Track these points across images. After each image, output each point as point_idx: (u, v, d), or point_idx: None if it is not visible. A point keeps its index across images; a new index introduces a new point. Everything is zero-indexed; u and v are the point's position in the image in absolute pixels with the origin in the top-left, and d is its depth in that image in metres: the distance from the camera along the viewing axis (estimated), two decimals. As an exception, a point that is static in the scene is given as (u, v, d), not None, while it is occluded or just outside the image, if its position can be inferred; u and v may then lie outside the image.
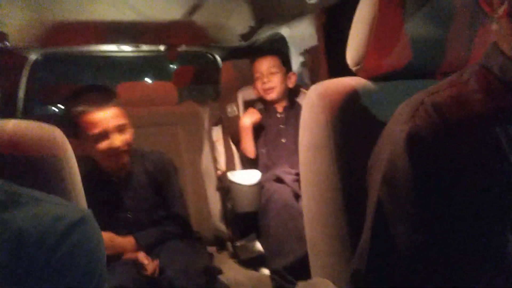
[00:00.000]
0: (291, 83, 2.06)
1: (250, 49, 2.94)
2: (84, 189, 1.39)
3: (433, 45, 0.90)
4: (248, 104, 2.08)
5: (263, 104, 2.09)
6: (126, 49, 3.02)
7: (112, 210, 1.47)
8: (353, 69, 0.95)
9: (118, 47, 2.98)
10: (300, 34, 2.23)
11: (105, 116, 1.36)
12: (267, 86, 2.00)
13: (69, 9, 2.12)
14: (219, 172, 1.96)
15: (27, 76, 2.75)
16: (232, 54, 3.06)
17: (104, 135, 1.38)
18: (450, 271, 0.53)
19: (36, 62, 2.81)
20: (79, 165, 1.51)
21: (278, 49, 2.16)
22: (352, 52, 0.93)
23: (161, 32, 2.67)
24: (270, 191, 1.57)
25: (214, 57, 3.24)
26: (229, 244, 1.84)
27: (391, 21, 0.86)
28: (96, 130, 1.36)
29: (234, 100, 2.04)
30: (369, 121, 0.88)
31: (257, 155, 1.93)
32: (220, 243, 1.91)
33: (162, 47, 3.04)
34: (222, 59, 3.21)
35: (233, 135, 1.99)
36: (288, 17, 2.20)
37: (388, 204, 0.58)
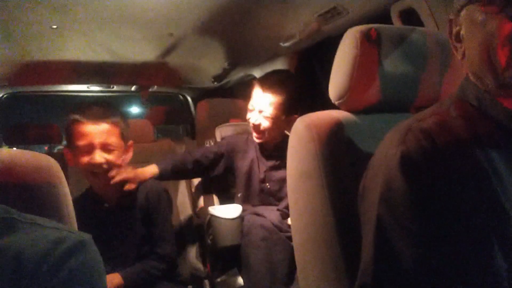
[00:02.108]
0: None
1: (222, 90, 3.03)
2: (76, 214, 1.39)
3: (407, 82, 0.99)
4: (225, 141, 2.13)
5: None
6: (96, 89, 3.03)
7: (99, 238, 1.44)
8: (336, 103, 1.02)
9: (88, 87, 2.98)
10: (272, 76, 2.33)
11: (94, 130, 1.38)
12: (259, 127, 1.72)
13: (43, 47, 2.13)
14: (196, 209, 1.96)
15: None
16: (203, 95, 3.13)
17: (89, 149, 1.38)
18: (449, 281, 0.57)
19: (1, 100, 2.75)
20: (76, 189, 1.50)
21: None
22: (335, 88, 1.00)
23: (134, 73, 2.71)
24: (250, 223, 1.57)
25: (185, 98, 3.30)
26: (206, 282, 1.81)
27: (370, 60, 0.95)
28: (82, 142, 1.37)
29: (212, 136, 2.08)
30: (352, 150, 0.94)
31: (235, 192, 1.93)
32: (196, 281, 1.88)
33: (133, 88, 3.07)
34: (193, 100, 3.27)
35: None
36: (261, 59, 2.31)
37: (388, 221, 0.63)
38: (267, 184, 1.82)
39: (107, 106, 1.48)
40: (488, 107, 0.68)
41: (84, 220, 1.37)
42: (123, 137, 1.47)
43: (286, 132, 1.84)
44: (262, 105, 1.70)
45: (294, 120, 1.73)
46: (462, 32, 0.69)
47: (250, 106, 1.76)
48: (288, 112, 1.72)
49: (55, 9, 1.63)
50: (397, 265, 0.60)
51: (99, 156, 1.38)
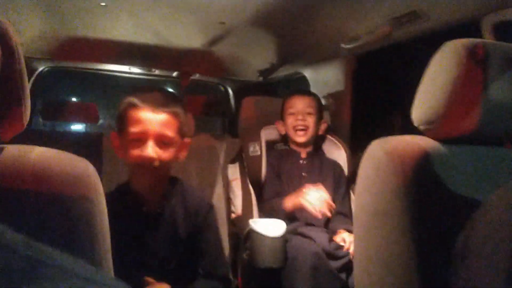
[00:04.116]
0: (321, 131, 1.99)
1: (265, 85, 2.88)
2: (111, 220, 1.16)
3: None
4: (270, 144, 1.98)
5: (286, 145, 1.99)
6: (137, 71, 2.94)
7: (135, 249, 1.22)
8: (422, 127, 0.86)
9: (129, 69, 2.89)
10: (325, 78, 2.17)
11: (151, 118, 1.17)
12: (301, 123, 1.89)
13: (89, 24, 2.04)
14: (233, 215, 1.82)
15: (30, 88, 2.61)
16: (245, 88, 3.00)
17: (142, 138, 1.18)
18: None
19: (41, 74, 2.69)
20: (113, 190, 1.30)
21: (315, 93, 2.06)
22: (424, 110, 0.84)
23: (178, 59, 2.60)
24: (298, 246, 1.42)
25: (226, 90, 3.17)
26: (234, 294, 1.69)
27: (474, 83, 0.78)
28: (135, 129, 1.17)
29: (256, 139, 1.93)
30: (441, 188, 0.78)
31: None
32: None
33: (174, 74, 2.97)
34: (234, 92, 3.14)
35: (253, 176, 1.87)
36: (315, 58, 2.15)
37: None
38: (304, 173, 1.89)
39: (168, 93, 1.29)
40: None
41: (118, 225, 1.07)
42: (181, 132, 1.26)
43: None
44: (305, 107, 1.92)
45: (324, 126, 1.97)
46: None
47: (292, 110, 1.94)
48: (320, 115, 1.97)
49: (106, -15, 1.52)
50: None
51: (152, 150, 1.17)
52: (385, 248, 0.76)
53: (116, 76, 3.07)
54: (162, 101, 1.20)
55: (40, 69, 2.65)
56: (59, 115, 2.62)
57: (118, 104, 1.26)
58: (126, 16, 1.91)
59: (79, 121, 2.87)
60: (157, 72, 2.92)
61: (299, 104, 1.92)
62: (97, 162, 1.82)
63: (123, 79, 3.05)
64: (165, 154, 1.20)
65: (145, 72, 2.93)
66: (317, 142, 2.01)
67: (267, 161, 1.95)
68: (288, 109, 1.95)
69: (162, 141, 1.19)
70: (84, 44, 2.33)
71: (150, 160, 1.17)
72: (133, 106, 1.19)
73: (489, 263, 0.53)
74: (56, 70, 2.81)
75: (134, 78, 3.08)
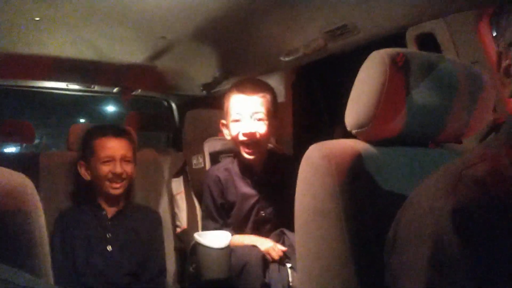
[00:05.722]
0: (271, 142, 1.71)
1: (209, 99, 2.89)
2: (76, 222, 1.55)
3: (433, 115, 0.90)
4: (214, 156, 1.98)
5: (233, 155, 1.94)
6: (75, 87, 2.85)
7: (98, 251, 1.59)
8: (354, 131, 0.92)
9: (67, 85, 2.79)
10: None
11: (114, 145, 1.66)
12: (248, 134, 1.49)
13: (23, 40, 1.96)
14: (178, 230, 1.80)
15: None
16: (189, 103, 2.99)
17: (110, 160, 1.63)
18: None
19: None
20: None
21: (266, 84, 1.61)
22: (356, 115, 0.89)
23: (119, 75, 2.55)
24: (242, 256, 1.39)
25: (170, 104, 3.15)
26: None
27: (398, 88, 0.85)
28: (104, 154, 1.63)
29: (200, 151, 1.92)
30: (372, 186, 0.84)
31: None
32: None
33: (115, 90, 2.91)
34: (178, 107, 3.13)
35: (197, 189, 1.85)
36: (257, 71, 2.20)
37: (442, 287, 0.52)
38: (262, 212, 1.63)
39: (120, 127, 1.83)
40: None
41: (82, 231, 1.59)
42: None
43: (269, 145, 1.73)
44: (252, 108, 1.48)
45: (276, 126, 1.60)
46: None
47: (235, 117, 1.51)
48: (275, 114, 1.55)
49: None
50: None
51: (119, 167, 1.65)
52: (324, 246, 0.80)
53: (53, 93, 2.96)
54: (117, 131, 1.74)
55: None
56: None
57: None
58: (62, 31, 1.86)
59: (12, 141, 2.71)
60: (96, 88, 2.85)
61: (244, 107, 1.50)
62: (34, 184, 1.75)
63: (61, 96, 2.95)
64: (128, 168, 1.69)
65: (84, 89, 2.86)
66: (269, 154, 1.70)
67: (206, 186, 1.66)
68: (230, 111, 1.55)
69: (124, 159, 1.69)
70: (18, 61, 2.23)
71: (119, 175, 1.65)
72: (100, 137, 1.69)
73: (414, 246, 0.58)
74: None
75: (73, 95, 2.99)
